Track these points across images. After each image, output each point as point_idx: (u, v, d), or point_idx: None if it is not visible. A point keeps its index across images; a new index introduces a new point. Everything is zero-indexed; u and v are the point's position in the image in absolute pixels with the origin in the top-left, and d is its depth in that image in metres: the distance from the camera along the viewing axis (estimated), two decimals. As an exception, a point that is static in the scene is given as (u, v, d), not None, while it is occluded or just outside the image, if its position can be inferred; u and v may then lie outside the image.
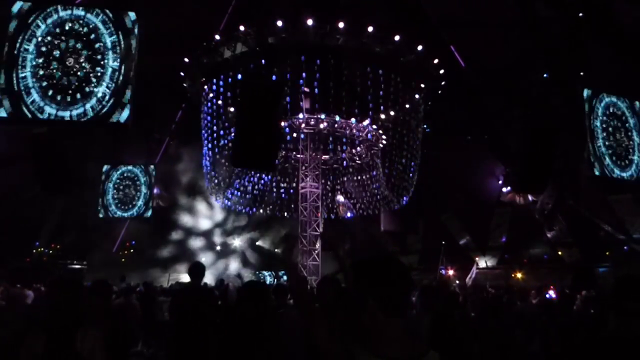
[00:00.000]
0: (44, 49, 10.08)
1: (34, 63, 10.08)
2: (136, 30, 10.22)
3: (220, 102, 18.43)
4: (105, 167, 19.91)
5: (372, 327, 1.86)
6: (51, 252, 24.99)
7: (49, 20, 10.24)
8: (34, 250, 24.22)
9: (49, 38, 10.11)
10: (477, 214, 26.46)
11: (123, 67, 10.19)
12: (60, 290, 3.11)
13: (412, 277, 1.98)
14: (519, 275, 24.15)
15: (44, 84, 10.12)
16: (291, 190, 22.18)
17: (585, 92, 12.14)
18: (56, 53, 10.20)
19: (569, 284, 14.21)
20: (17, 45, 9.99)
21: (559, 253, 25.19)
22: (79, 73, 10.34)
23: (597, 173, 11.87)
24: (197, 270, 6.00)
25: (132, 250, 26.73)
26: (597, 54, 15.83)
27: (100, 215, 19.65)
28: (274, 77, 15.74)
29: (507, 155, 20.10)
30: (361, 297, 1.89)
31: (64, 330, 2.96)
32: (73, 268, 21.77)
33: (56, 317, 3.00)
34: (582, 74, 15.25)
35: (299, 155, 20.58)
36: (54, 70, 10.19)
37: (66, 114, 10.03)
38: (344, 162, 22.12)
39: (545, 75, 17.28)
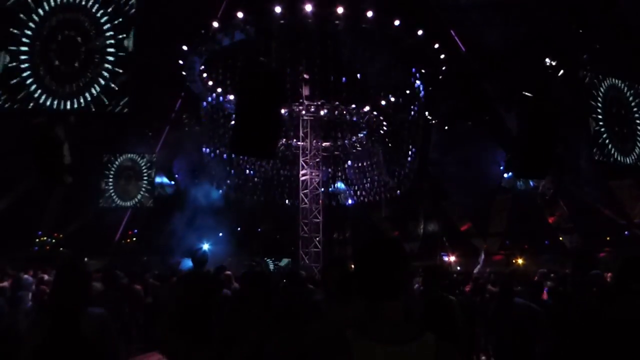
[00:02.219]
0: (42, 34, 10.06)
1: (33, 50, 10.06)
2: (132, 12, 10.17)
3: (219, 89, 18.36)
4: (105, 156, 19.93)
5: (369, 311, 1.89)
6: (54, 241, 25.06)
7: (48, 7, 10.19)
8: (37, 240, 24.30)
9: (47, 24, 10.08)
10: (478, 200, 26.46)
11: (120, 56, 10.15)
12: (67, 273, 3.14)
13: (407, 260, 1.97)
14: (519, 261, 24.21)
15: (43, 72, 10.09)
16: (291, 178, 22.15)
17: (587, 76, 12.07)
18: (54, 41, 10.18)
19: (570, 270, 14.21)
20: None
21: (560, 239, 25.23)
22: (76, 61, 10.30)
23: (598, 158, 11.86)
24: (200, 257, 6.01)
25: (134, 239, 26.83)
26: (599, 38, 15.70)
27: (101, 205, 19.71)
28: (273, 64, 15.64)
29: (507, 141, 20.03)
30: (358, 281, 1.93)
31: (69, 313, 2.99)
32: (74, 256, 21.82)
33: (61, 300, 3.04)
34: (585, 57, 15.16)
35: (299, 143, 20.52)
36: (53, 58, 10.16)
37: (66, 103, 10.02)
38: (345, 149, 22.06)
39: (546, 60, 17.15)
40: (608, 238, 23.12)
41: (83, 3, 10.30)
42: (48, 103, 10.22)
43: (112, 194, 21.08)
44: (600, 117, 12.21)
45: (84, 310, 3.08)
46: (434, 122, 22.76)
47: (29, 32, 10.02)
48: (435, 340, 1.86)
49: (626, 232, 22.98)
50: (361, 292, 1.91)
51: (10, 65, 10.06)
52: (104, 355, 3.06)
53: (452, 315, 4.59)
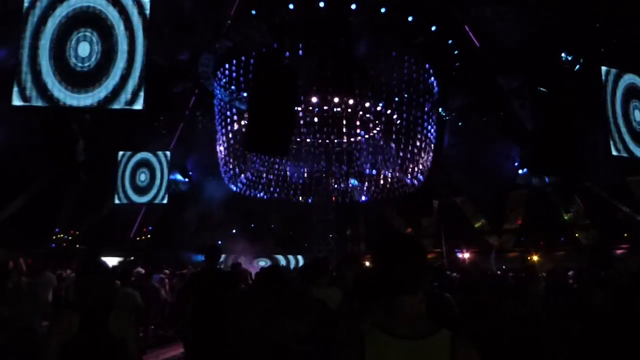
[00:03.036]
0: (59, 34, 10.14)
1: (50, 48, 10.14)
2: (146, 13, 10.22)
3: (233, 87, 18.42)
4: (120, 154, 20.10)
5: (386, 306, 1.91)
6: (70, 238, 25.37)
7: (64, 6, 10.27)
8: (54, 237, 24.61)
9: (63, 22, 10.16)
10: (492, 197, 26.28)
11: (136, 53, 10.21)
12: (91, 272, 3.18)
13: (425, 255, 1.99)
14: (535, 258, 24.01)
15: (59, 70, 10.19)
16: (305, 175, 22.16)
17: (604, 70, 11.89)
18: (70, 39, 10.27)
19: (586, 266, 14.08)
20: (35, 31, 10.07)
21: (576, 235, 24.98)
22: (92, 60, 10.38)
23: (615, 153, 11.70)
24: (213, 252, 6.05)
25: (149, 236, 27.07)
26: (617, 31, 15.46)
27: (117, 202, 19.87)
28: (286, 61, 15.66)
29: (522, 137, 19.83)
30: (376, 276, 1.95)
31: (98, 311, 3.04)
32: (89, 252, 22.13)
33: (88, 298, 3.08)
34: (602, 50, 14.95)
35: (312, 139, 20.51)
36: (69, 57, 10.25)
37: (81, 101, 10.12)
38: (358, 146, 22.01)
39: (562, 54, 16.95)
40: (625, 234, 22.83)
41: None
42: (64, 100, 10.31)
43: (127, 191, 21.26)
44: (618, 110, 12.04)
45: (111, 310, 3.12)
46: (447, 118, 22.61)
47: (44, 29, 10.14)
48: (451, 337, 1.86)
49: (643, 229, 22.67)
50: (379, 286, 1.92)
51: (26, 61, 10.18)
52: (129, 354, 3.10)
53: (452, 313, 4.57)
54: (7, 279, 6.18)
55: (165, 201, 20.52)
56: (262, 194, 23.11)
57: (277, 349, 3.88)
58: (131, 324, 3.24)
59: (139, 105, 10.09)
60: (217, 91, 19.39)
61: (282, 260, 24.98)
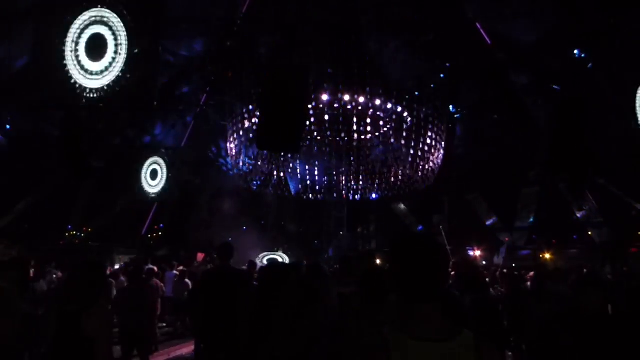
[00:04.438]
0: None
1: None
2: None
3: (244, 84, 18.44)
4: (133, 150, 20.29)
5: (404, 310, 1.86)
6: (82, 234, 25.56)
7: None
8: (67, 234, 24.80)
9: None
10: (504, 194, 26.10)
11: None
12: (76, 273, 3.19)
13: (447, 259, 1.92)
14: (547, 256, 23.82)
15: (73, 65, 10.36)
16: (315, 172, 22.16)
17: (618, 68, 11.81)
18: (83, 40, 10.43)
19: (599, 265, 13.98)
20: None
21: (589, 233, 24.74)
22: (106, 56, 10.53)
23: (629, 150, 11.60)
24: (225, 250, 6.07)
25: (160, 233, 27.22)
26: (630, 27, 15.26)
27: (128, 198, 20.06)
28: (297, 59, 15.67)
29: (535, 134, 19.68)
30: (394, 281, 1.88)
31: (74, 313, 3.04)
32: (102, 250, 22.29)
33: (69, 299, 3.08)
34: (615, 47, 14.77)
35: (323, 137, 20.49)
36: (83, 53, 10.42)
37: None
38: (369, 143, 21.95)
39: (575, 52, 16.79)
40: (639, 233, 22.58)
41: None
42: (78, 96, 10.45)
43: (140, 188, 21.46)
44: (633, 109, 11.94)
45: (89, 310, 3.10)
46: (459, 115, 22.50)
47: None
48: (475, 339, 1.82)
49: (657, 227, 22.42)
50: (398, 292, 1.87)
51: (41, 58, 10.34)
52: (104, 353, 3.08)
53: (463, 313, 4.55)
54: (29, 277, 6.24)
55: (176, 198, 20.71)
56: (271, 191, 23.14)
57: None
58: (106, 323, 3.21)
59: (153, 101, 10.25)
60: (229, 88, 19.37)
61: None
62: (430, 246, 1.86)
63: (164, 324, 12.59)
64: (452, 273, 8.28)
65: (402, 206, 23.41)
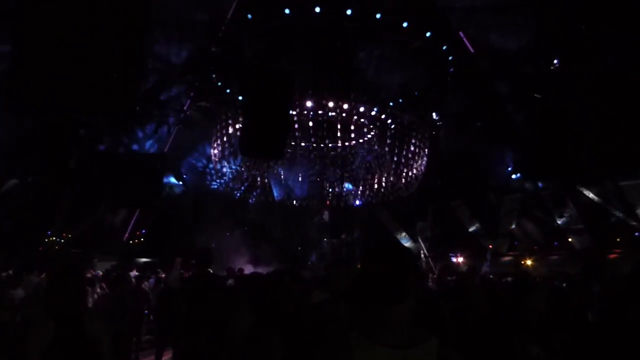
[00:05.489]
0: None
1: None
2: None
3: (228, 90, 18.40)
4: (114, 156, 20.07)
5: (372, 314, 1.88)
6: (63, 241, 25.21)
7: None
8: (46, 240, 24.44)
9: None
10: (486, 201, 26.33)
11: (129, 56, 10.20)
12: (61, 277, 3.18)
13: (413, 263, 1.95)
14: (528, 262, 24.06)
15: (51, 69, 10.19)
16: (299, 179, 22.16)
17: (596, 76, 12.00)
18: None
19: (579, 272, 14.12)
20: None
21: (569, 240, 25.04)
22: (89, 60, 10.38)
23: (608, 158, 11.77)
24: (204, 257, 6.01)
25: (142, 239, 26.94)
26: (608, 37, 15.56)
27: (110, 205, 19.81)
28: (282, 66, 15.69)
29: (516, 141, 19.94)
30: (362, 285, 1.91)
31: (72, 316, 3.04)
32: (82, 256, 22.02)
33: (61, 304, 3.07)
34: (593, 56, 15.01)
35: (307, 143, 20.52)
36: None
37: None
38: (353, 150, 22.03)
39: (555, 61, 17.04)
40: (618, 239, 22.91)
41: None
42: (57, 101, 10.30)
43: (121, 194, 21.20)
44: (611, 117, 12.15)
45: (86, 312, 3.13)
46: (441, 122, 22.68)
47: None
48: (439, 348, 1.83)
49: (637, 234, 22.75)
50: (365, 296, 1.88)
51: (17, 62, 10.15)
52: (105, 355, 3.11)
53: (443, 319, 4.56)
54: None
55: (158, 204, 20.52)
56: (255, 198, 23.09)
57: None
58: (106, 329, 3.24)
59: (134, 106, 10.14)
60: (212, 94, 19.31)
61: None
62: (393, 252, 1.90)
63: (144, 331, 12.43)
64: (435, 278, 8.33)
65: None
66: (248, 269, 15.50)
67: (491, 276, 14.26)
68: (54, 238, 24.39)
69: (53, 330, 2.96)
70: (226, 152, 19.94)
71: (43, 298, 3.34)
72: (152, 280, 13.97)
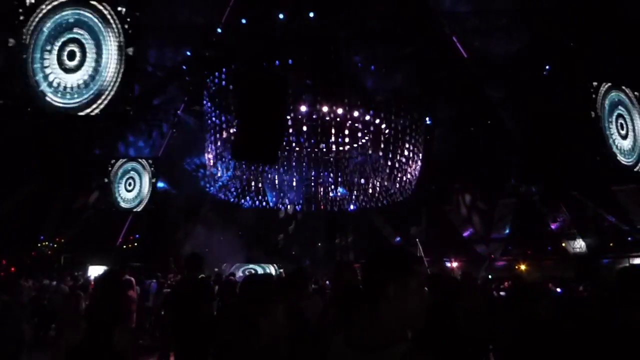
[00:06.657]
0: (48, 46, 10.14)
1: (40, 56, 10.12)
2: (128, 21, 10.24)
3: (222, 94, 18.37)
4: (107, 160, 20.02)
5: (351, 316, 1.92)
6: (55, 245, 25.08)
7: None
8: (39, 244, 24.31)
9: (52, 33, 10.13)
10: (480, 205, 26.41)
11: (122, 61, 10.18)
12: (103, 283, 3.19)
13: (387, 265, 1.91)
14: (522, 267, 24.12)
15: (50, 76, 10.14)
16: (293, 183, 22.12)
17: (589, 81, 12.07)
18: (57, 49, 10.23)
19: (572, 277, 14.19)
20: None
21: (562, 244, 25.13)
22: (79, 68, 10.34)
23: (601, 163, 11.84)
24: (194, 262, 5.93)
25: (135, 244, 26.83)
26: (601, 44, 15.67)
27: (103, 209, 19.73)
28: (276, 70, 15.69)
29: (510, 146, 19.99)
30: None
31: (105, 324, 3.04)
32: (75, 261, 21.90)
33: (98, 310, 3.09)
34: (585, 62, 15.12)
35: (301, 147, 20.49)
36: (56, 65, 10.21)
37: (70, 106, 10.07)
38: (347, 154, 22.02)
39: (547, 67, 17.14)
40: (611, 244, 23.01)
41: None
42: (52, 104, 10.26)
43: (114, 198, 21.08)
44: (605, 122, 12.21)
45: (118, 323, 3.13)
46: (436, 127, 22.73)
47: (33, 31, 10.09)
48: (409, 349, 1.78)
49: (629, 238, 22.86)
50: (343, 297, 1.92)
51: (13, 63, 10.11)
52: None
53: (454, 321, 4.55)
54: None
55: (152, 208, 20.44)
56: (249, 202, 23.02)
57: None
58: (133, 340, 3.29)
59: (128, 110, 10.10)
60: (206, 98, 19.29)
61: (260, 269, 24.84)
62: (380, 254, 1.93)
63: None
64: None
65: None
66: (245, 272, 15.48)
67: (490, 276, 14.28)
68: (46, 243, 24.26)
69: (84, 332, 2.98)
70: (220, 157, 19.91)
71: (89, 301, 3.38)
72: (154, 285, 13.96)
